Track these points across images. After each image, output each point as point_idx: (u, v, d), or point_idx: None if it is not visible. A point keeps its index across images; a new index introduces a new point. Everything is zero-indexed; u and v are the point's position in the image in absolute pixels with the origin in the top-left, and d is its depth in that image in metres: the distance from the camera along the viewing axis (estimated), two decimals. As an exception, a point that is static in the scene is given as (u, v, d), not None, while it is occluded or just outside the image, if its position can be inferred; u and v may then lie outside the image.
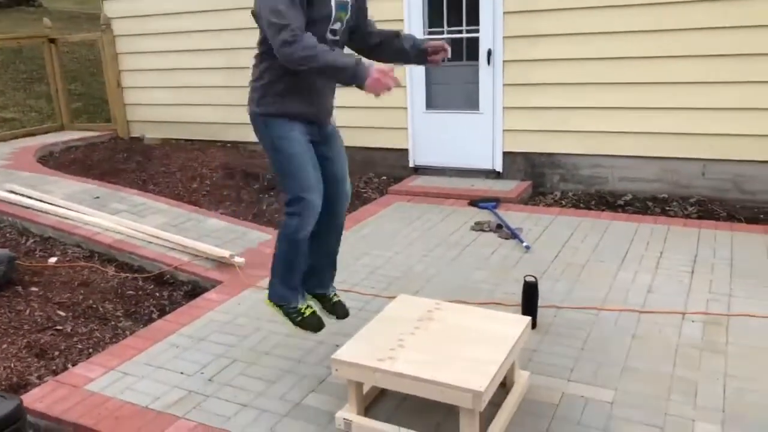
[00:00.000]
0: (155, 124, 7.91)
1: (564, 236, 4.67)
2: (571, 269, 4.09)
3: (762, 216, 5.03)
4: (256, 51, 2.77)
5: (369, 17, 2.93)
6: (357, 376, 2.54)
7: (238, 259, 4.35)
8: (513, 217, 5.11)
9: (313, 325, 2.94)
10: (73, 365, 3.31)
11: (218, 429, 2.67)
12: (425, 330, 2.71)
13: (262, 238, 4.89)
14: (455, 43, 6.05)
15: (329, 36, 2.65)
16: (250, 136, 8.35)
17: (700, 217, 5.05)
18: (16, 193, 5.48)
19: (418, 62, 2.98)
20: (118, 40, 7.86)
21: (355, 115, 5.98)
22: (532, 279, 3.35)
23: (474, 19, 5.87)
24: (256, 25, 2.73)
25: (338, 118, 3.08)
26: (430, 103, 6.22)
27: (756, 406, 2.65)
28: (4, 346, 3.49)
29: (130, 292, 4.22)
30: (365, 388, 2.68)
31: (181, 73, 7.52)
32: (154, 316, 3.94)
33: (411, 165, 6.41)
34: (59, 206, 5.24)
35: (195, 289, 4.24)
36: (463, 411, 2.34)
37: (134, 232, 4.81)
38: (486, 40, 5.84)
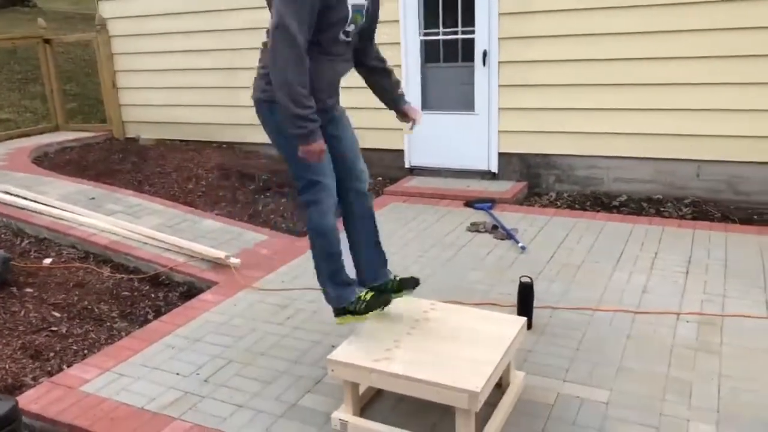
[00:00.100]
0: (151, 125, 7.90)
1: (559, 237, 4.68)
2: (567, 270, 4.10)
3: (756, 217, 5.05)
4: (265, 38, 2.70)
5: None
6: (353, 376, 2.54)
7: (233, 260, 4.34)
8: (508, 217, 5.12)
9: (380, 302, 2.75)
10: (69, 366, 3.30)
11: (214, 430, 2.67)
12: (421, 330, 2.72)
13: (258, 239, 4.89)
14: (451, 45, 6.07)
15: (342, 37, 2.62)
16: (245, 136, 8.36)
17: (694, 218, 5.07)
18: (11, 194, 5.46)
19: (393, 110, 3.08)
20: (113, 41, 7.85)
21: (351, 116, 5.96)
22: (528, 280, 3.36)
23: (469, 20, 5.88)
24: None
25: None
26: (426, 104, 6.23)
27: (750, 406, 2.66)
28: (-1, 347, 3.48)
29: (126, 293, 4.21)
30: (361, 389, 2.69)
31: (177, 74, 7.51)
32: (150, 317, 3.94)
33: (407, 166, 6.42)
34: (54, 207, 5.23)
35: (190, 290, 4.24)
36: (459, 411, 2.34)
37: (130, 233, 4.80)
38: (481, 41, 5.85)
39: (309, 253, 4.53)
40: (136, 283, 4.33)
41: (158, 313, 3.94)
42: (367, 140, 6.44)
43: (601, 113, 5.54)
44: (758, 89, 4.98)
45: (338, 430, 2.61)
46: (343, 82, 2.82)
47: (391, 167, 6.43)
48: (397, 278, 2.97)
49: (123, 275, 4.42)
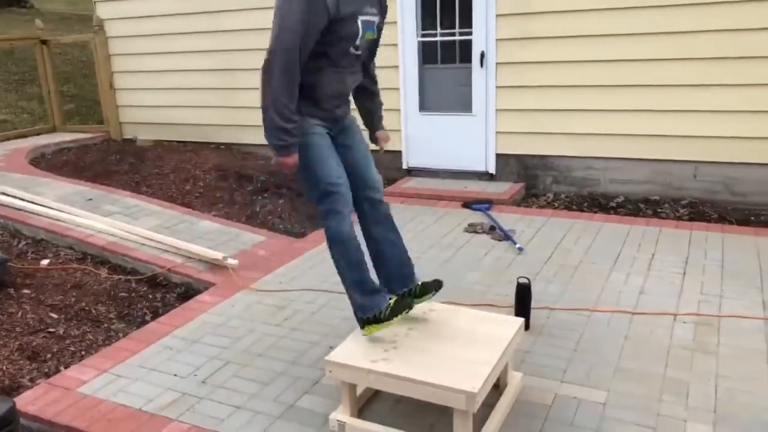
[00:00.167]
0: (148, 126, 7.89)
1: (557, 238, 4.69)
2: (564, 271, 4.11)
3: (752, 218, 5.07)
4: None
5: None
6: (351, 377, 2.54)
7: (231, 261, 4.34)
8: (506, 218, 5.13)
9: (403, 306, 2.67)
10: (66, 368, 3.30)
11: (212, 431, 2.67)
12: (419, 331, 2.72)
13: (256, 240, 4.89)
14: (449, 46, 6.08)
15: (352, 50, 2.67)
16: (243, 137, 8.34)
17: (691, 219, 5.08)
18: (8, 195, 5.45)
19: (368, 129, 3.16)
20: (110, 42, 7.84)
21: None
22: (525, 280, 3.37)
23: (467, 21, 5.89)
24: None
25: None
26: (424, 105, 6.24)
27: (747, 406, 2.67)
28: (-4, 348, 3.48)
29: (123, 294, 4.21)
30: (359, 390, 2.69)
31: (174, 75, 7.51)
32: (147, 318, 3.93)
33: (404, 167, 6.42)
34: (51, 208, 5.22)
35: (188, 291, 4.24)
36: (457, 412, 2.35)
37: (127, 234, 4.80)
38: (479, 43, 5.86)
39: (306, 254, 4.57)
40: (133, 285, 4.33)
41: (156, 315, 3.94)
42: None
43: (598, 114, 5.55)
44: (754, 90, 5.00)
45: (336, 431, 2.62)
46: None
47: (388, 168, 6.43)
48: (420, 282, 2.91)
49: (120, 276, 4.42)
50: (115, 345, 3.46)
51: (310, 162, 2.67)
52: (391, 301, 2.69)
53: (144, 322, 3.83)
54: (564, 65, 5.56)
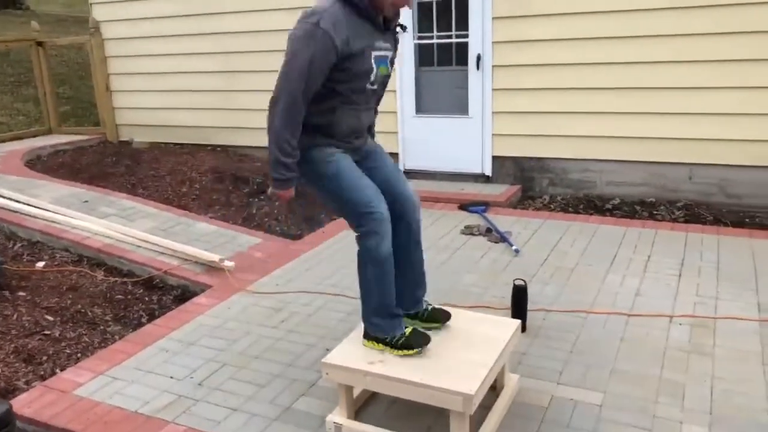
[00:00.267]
0: (144, 128, 7.88)
1: (553, 240, 4.70)
2: (560, 273, 4.12)
3: (747, 220, 5.08)
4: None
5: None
6: (347, 379, 2.54)
7: (227, 263, 4.34)
8: (502, 220, 5.14)
9: (419, 341, 2.60)
10: (62, 370, 3.29)
11: (208, 433, 2.67)
12: (415, 333, 2.72)
13: (252, 242, 4.88)
14: (445, 48, 6.09)
15: (368, 87, 2.64)
16: (239, 140, 8.33)
17: (687, 221, 5.10)
18: (4, 197, 5.44)
19: None
20: (106, 44, 7.83)
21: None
22: (522, 282, 3.37)
23: (463, 24, 5.90)
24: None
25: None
26: (420, 108, 6.25)
27: (743, 408, 2.67)
28: (-8, 351, 3.47)
29: (119, 296, 4.20)
30: (355, 392, 2.69)
31: (171, 77, 7.50)
32: (144, 320, 3.93)
33: (401, 169, 6.41)
34: (47, 210, 5.21)
35: (184, 294, 4.23)
36: (454, 414, 2.35)
37: (123, 236, 4.79)
38: (475, 45, 5.87)
39: (303, 256, 4.57)
40: (129, 287, 4.32)
41: (152, 317, 3.93)
42: (361, 143, 6.51)
43: (594, 117, 5.57)
44: (749, 93, 5.02)
45: (333, 433, 2.62)
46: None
47: (385, 170, 6.43)
48: (430, 308, 2.86)
49: (116, 278, 4.41)
50: (111, 347, 3.45)
51: (341, 191, 2.60)
52: (407, 331, 2.63)
53: (140, 325, 3.83)
54: (560, 68, 5.57)
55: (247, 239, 4.95)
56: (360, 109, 2.68)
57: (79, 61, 10.93)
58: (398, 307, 2.73)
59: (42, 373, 3.30)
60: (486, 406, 2.61)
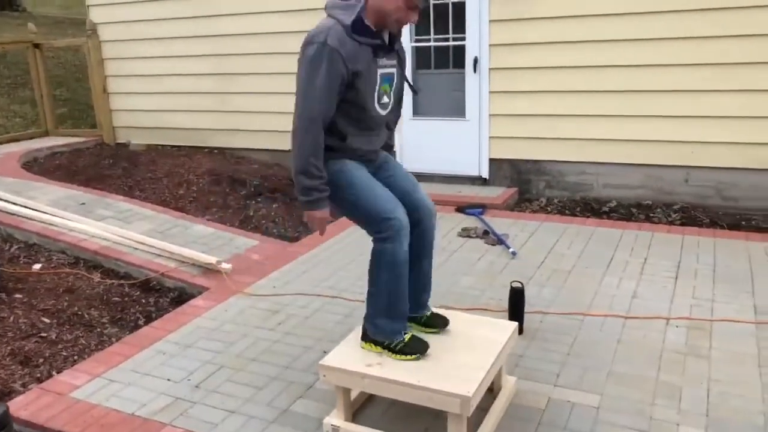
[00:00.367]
0: (141, 130, 7.87)
1: (550, 242, 4.71)
2: (557, 275, 4.12)
3: (744, 222, 5.10)
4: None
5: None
6: (345, 381, 2.54)
7: (225, 266, 4.34)
8: (499, 223, 5.14)
9: (418, 348, 2.60)
10: (58, 372, 3.29)
11: (205, 436, 2.67)
12: (413, 336, 2.72)
13: (249, 244, 4.88)
14: (442, 51, 6.10)
15: (377, 109, 2.64)
16: (236, 142, 8.31)
17: (683, 224, 5.11)
18: (1, 200, 5.43)
19: None
20: (104, 46, 7.82)
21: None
22: (519, 285, 3.38)
23: (460, 27, 5.92)
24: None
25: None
26: (417, 110, 6.26)
27: (739, 410, 2.68)
28: (-12, 353, 3.46)
29: (116, 298, 4.19)
30: (353, 394, 2.69)
31: (168, 79, 7.50)
32: (141, 322, 3.92)
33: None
34: (44, 212, 5.20)
35: (182, 296, 4.23)
36: (451, 416, 2.35)
37: (120, 239, 4.79)
38: (472, 48, 5.89)
39: (300, 259, 4.57)
40: (126, 289, 4.31)
41: (149, 319, 3.93)
42: (358, 146, 6.51)
43: (591, 120, 5.58)
44: (746, 96, 5.04)
45: (330, 436, 2.62)
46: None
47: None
48: (429, 313, 2.86)
49: (113, 281, 4.40)
50: (107, 350, 3.45)
51: (359, 200, 2.60)
52: (406, 337, 2.63)
53: (137, 327, 3.82)
54: (557, 71, 5.59)
55: (244, 241, 4.95)
56: (371, 135, 2.70)
57: (76, 63, 10.91)
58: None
59: (38, 375, 3.30)
60: (483, 408, 2.61)
